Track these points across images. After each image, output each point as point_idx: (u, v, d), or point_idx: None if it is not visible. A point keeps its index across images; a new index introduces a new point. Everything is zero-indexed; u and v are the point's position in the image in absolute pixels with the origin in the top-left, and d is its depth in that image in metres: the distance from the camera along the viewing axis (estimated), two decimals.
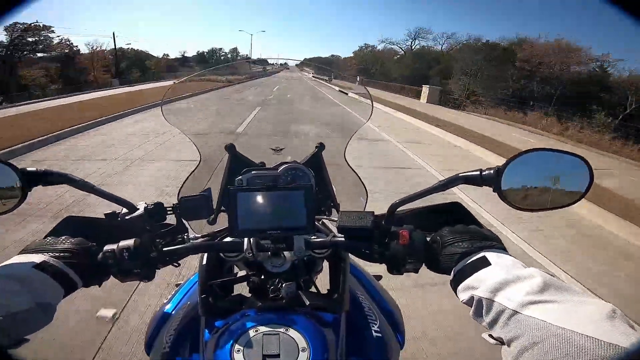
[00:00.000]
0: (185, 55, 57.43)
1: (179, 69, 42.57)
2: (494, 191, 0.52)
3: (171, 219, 0.66)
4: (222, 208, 0.76)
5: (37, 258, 0.50)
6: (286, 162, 0.81)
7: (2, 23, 0.49)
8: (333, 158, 0.90)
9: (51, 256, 0.51)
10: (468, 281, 0.49)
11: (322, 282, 0.73)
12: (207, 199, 0.66)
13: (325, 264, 0.74)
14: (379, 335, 0.68)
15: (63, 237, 0.56)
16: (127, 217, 0.61)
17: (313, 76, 22.73)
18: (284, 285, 0.60)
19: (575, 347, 0.34)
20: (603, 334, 0.34)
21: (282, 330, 0.52)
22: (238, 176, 0.71)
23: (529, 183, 0.52)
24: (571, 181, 0.53)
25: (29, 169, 0.55)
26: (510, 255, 0.51)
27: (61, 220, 0.62)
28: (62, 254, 0.52)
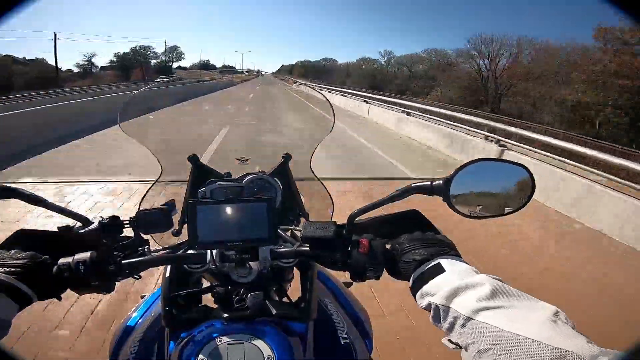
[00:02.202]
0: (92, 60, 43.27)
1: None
2: (443, 200, 0.55)
3: (130, 232, 0.65)
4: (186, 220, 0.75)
5: None
6: (252, 173, 0.81)
7: (2, 23, 0.49)
8: None
9: (1, 272, 0.50)
10: (425, 288, 0.51)
11: (296, 290, 0.74)
12: (166, 213, 0.65)
13: (297, 273, 0.75)
14: (347, 341, 0.69)
15: (14, 251, 0.54)
16: (81, 231, 0.59)
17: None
18: (249, 295, 0.60)
19: (524, 351, 0.37)
20: (547, 337, 0.37)
21: (247, 340, 0.52)
22: (202, 187, 0.71)
23: (476, 192, 0.56)
24: (515, 189, 0.57)
25: None
26: (464, 262, 0.53)
27: (12, 234, 0.59)
28: (12, 269, 0.51)
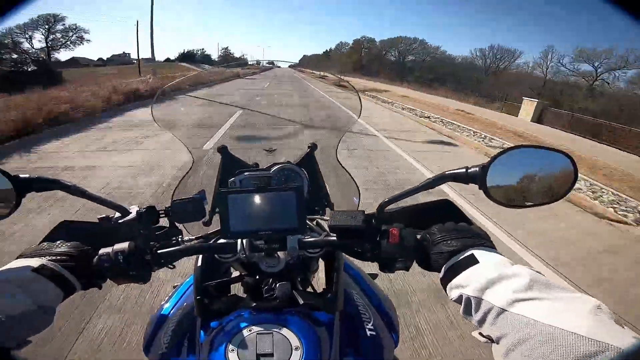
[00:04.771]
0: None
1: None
2: (479, 188, 0.53)
3: (165, 222, 0.67)
4: (217, 210, 0.77)
5: (35, 262, 0.51)
6: (279, 163, 0.82)
7: (2, 23, 0.50)
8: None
9: (49, 260, 0.52)
10: (457, 279, 0.50)
11: (320, 280, 0.74)
12: (199, 202, 0.67)
13: (322, 263, 0.75)
14: (373, 333, 0.69)
15: (59, 242, 0.57)
16: (120, 221, 0.62)
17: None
18: (277, 285, 0.60)
19: (561, 344, 0.35)
20: (588, 331, 0.35)
21: (275, 329, 0.53)
22: (231, 178, 0.72)
23: (514, 180, 0.53)
24: (555, 177, 0.54)
25: (21, 175, 0.56)
26: (499, 253, 0.51)
27: (56, 225, 0.62)
28: (59, 258, 0.53)
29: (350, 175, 0.92)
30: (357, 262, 0.76)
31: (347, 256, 0.73)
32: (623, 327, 0.36)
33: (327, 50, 75.32)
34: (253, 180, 0.73)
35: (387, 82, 31.86)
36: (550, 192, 0.54)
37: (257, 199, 0.59)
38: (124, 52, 50.68)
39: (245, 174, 0.73)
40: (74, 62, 38.94)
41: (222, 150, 0.81)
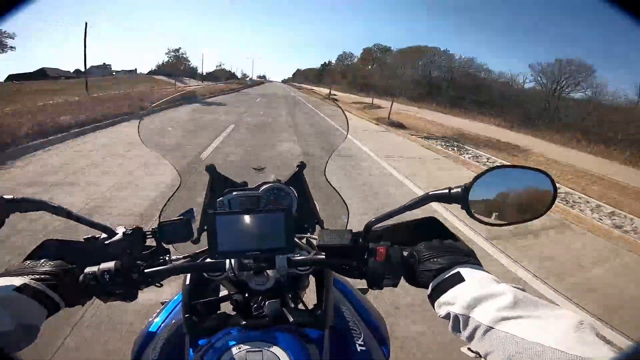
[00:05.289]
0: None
1: None
2: (462, 208, 0.54)
3: (153, 241, 0.67)
4: (205, 228, 0.77)
5: (17, 281, 0.51)
6: (268, 182, 0.82)
7: (2, 23, 0.51)
8: None
9: (31, 279, 0.52)
10: (444, 297, 0.51)
11: (312, 296, 0.74)
12: (187, 223, 0.67)
13: (312, 279, 0.75)
14: (364, 349, 0.69)
15: (42, 260, 0.57)
16: (106, 242, 0.61)
17: None
18: (267, 302, 0.60)
19: None
20: (570, 347, 0.36)
21: (265, 347, 0.53)
22: (220, 197, 0.72)
23: (496, 199, 0.55)
24: (536, 195, 0.55)
25: (5, 196, 0.56)
26: (484, 270, 0.53)
27: (39, 244, 0.62)
28: (42, 277, 0.53)
29: (338, 193, 0.93)
30: (347, 278, 0.77)
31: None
32: (604, 342, 0.37)
33: (326, 63, 65.22)
34: (242, 200, 0.73)
35: (417, 105, 24.45)
36: (532, 209, 0.56)
37: (245, 220, 0.59)
38: (104, 64, 44.71)
39: (234, 193, 0.74)
40: (41, 73, 34.62)
41: (210, 169, 0.82)
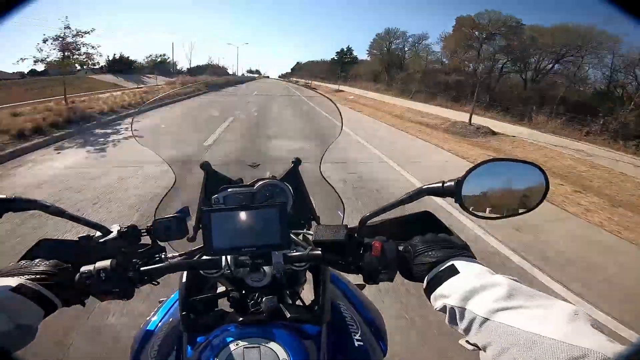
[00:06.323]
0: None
1: None
2: (455, 202, 0.55)
3: (148, 239, 0.67)
4: (201, 225, 0.77)
5: (13, 281, 0.51)
6: (263, 179, 0.82)
7: (2, 23, 0.51)
8: None
9: (27, 279, 0.52)
10: (439, 290, 0.51)
11: (308, 293, 0.74)
12: (182, 220, 0.67)
13: (310, 275, 0.75)
14: (361, 344, 0.69)
15: (37, 260, 0.57)
16: (101, 240, 0.61)
17: None
18: (264, 299, 0.61)
19: (542, 350, 0.37)
20: (566, 336, 0.37)
21: (262, 343, 0.53)
22: (215, 194, 0.72)
23: (488, 192, 0.56)
24: (528, 187, 0.56)
25: None
26: (479, 263, 0.53)
27: (34, 243, 0.62)
28: (38, 276, 0.53)
29: (334, 188, 0.93)
30: (344, 273, 0.77)
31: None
32: (598, 331, 0.38)
33: (345, 49, 48.17)
34: (237, 196, 0.73)
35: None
36: (524, 202, 0.56)
37: (240, 216, 0.59)
38: None
39: (229, 190, 0.74)
40: None
41: (205, 166, 0.82)
